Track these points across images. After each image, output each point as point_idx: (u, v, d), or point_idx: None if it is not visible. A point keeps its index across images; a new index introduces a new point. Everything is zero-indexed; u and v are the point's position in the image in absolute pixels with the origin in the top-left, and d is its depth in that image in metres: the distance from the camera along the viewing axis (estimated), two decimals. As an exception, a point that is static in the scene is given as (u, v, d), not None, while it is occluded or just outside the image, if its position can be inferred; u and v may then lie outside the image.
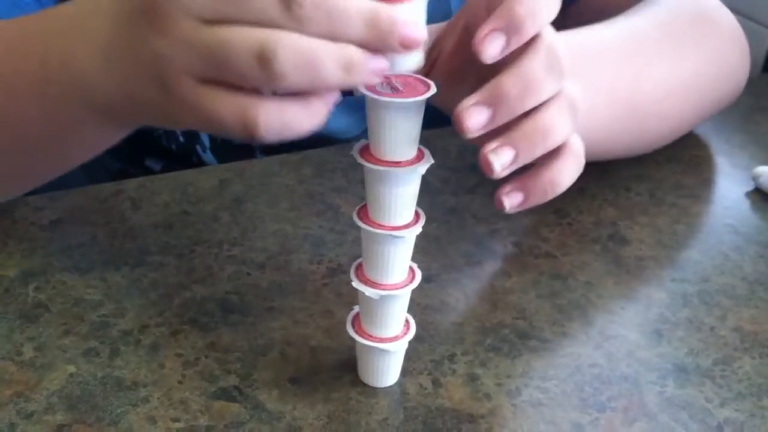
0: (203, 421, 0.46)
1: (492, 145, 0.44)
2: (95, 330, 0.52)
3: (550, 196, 0.46)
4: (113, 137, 0.53)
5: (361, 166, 0.43)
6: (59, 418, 0.46)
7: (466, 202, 0.65)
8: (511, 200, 0.46)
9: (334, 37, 0.39)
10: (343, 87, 0.40)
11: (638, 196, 0.66)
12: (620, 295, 0.56)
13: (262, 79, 0.39)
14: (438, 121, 0.83)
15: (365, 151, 0.44)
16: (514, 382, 0.49)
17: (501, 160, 0.44)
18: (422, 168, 0.44)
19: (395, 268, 0.46)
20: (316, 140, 0.74)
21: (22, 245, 0.58)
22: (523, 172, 0.45)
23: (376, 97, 0.42)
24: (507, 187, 0.46)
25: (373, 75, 0.40)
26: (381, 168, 0.43)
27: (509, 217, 0.63)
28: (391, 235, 0.44)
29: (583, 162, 0.46)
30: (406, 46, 0.40)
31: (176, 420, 0.46)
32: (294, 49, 0.38)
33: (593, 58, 0.62)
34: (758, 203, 0.66)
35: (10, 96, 0.51)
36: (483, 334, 0.52)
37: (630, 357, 0.51)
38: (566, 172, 0.46)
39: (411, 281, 0.46)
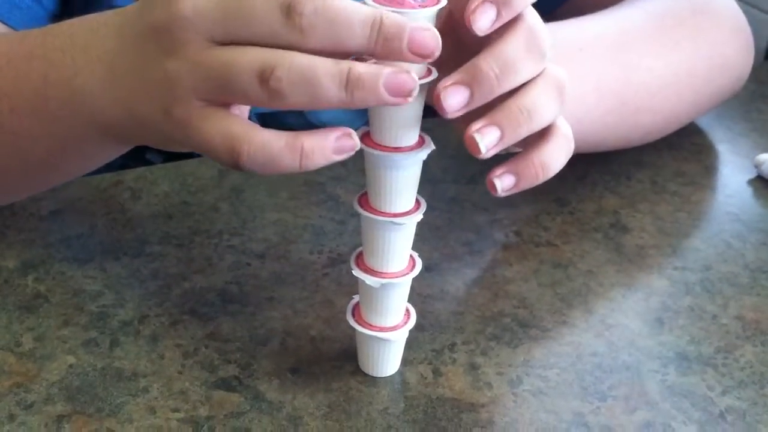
0: (203, 411, 0.46)
1: (476, 125, 0.44)
2: (95, 320, 0.51)
3: (542, 178, 0.46)
4: (113, 153, 0.54)
5: (361, 153, 0.43)
6: (59, 408, 0.46)
7: (467, 191, 0.65)
8: (503, 182, 0.46)
9: (338, 47, 0.39)
10: (345, 105, 0.40)
11: (639, 183, 0.66)
12: (621, 284, 0.56)
13: (264, 98, 0.40)
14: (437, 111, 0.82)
15: (366, 136, 0.44)
16: (515, 371, 0.48)
17: (486, 139, 0.44)
18: (423, 153, 0.44)
19: (396, 256, 0.46)
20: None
21: (21, 236, 0.58)
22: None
23: None
24: (498, 170, 0.46)
25: (378, 92, 0.39)
26: (382, 153, 0.43)
27: (510, 205, 0.63)
28: (391, 222, 0.44)
29: (572, 145, 0.46)
30: (418, 54, 0.40)
31: (176, 410, 0.46)
32: (291, 67, 0.39)
33: (582, 50, 0.62)
34: (760, 191, 0.65)
35: (11, 112, 0.50)
36: (483, 323, 0.52)
37: (631, 345, 0.50)
38: (556, 155, 0.46)
39: (411, 270, 0.46)
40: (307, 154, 0.41)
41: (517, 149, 0.47)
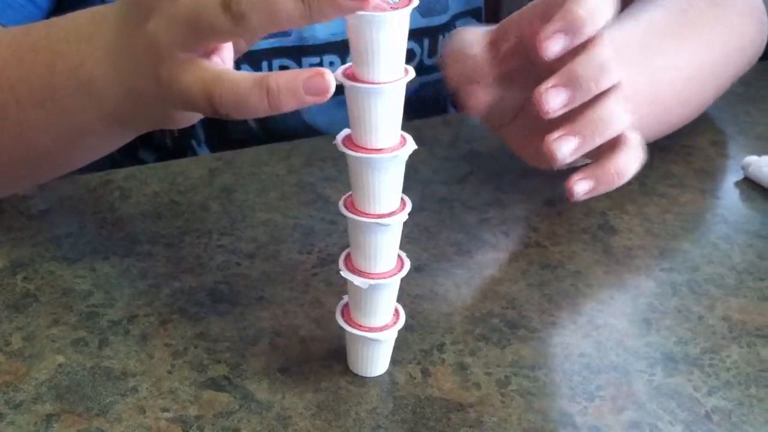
0: (192, 410, 0.46)
1: (555, 134, 0.49)
2: (84, 320, 0.51)
3: (616, 184, 0.51)
4: (118, 142, 0.55)
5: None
6: (48, 407, 0.46)
7: (456, 192, 0.65)
8: (582, 187, 0.50)
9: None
10: (305, 19, 0.41)
11: (628, 185, 0.65)
12: (609, 285, 0.56)
13: (229, 26, 0.41)
14: (429, 110, 0.83)
15: (347, 139, 0.44)
16: (503, 371, 0.49)
17: (563, 148, 0.49)
18: (404, 153, 0.44)
19: (383, 256, 0.46)
20: (305, 134, 0.74)
21: (10, 234, 0.58)
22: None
23: (354, 84, 0.42)
24: (577, 176, 0.50)
25: (335, 5, 0.40)
26: (362, 155, 0.43)
27: (499, 206, 0.63)
28: (376, 223, 0.44)
29: (643, 153, 0.51)
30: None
31: (165, 410, 0.46)
32: None
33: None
34: (747, 192, 0.66)
35: (17, 104, 0.52)
36: (472, 323, 0.52)
37: (619, 346, 0.51)
38: (630, 162, 0.51)
39: (399, 270, 0.46)
40: (275, 93, 0.42)
41: (586, 160, 0.51)
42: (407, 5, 0.42)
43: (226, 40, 0.45)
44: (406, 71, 0.44)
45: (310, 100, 0.41)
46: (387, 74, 0.43)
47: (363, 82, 0.43)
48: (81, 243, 0.58)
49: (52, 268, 0.55)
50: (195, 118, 0.51)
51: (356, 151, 0.43)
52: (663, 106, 0.65)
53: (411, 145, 0.45)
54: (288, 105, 0.42)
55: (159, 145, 0.76)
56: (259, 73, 0.42)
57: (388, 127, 0.44)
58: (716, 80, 0.70)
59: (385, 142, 0.44)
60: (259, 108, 0.42)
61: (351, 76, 0.43)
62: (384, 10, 0.41)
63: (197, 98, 0.43)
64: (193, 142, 0.75)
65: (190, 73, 0.44)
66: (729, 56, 0.71)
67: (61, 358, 0.49)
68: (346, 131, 0.45)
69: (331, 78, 0.41)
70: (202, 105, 0.44)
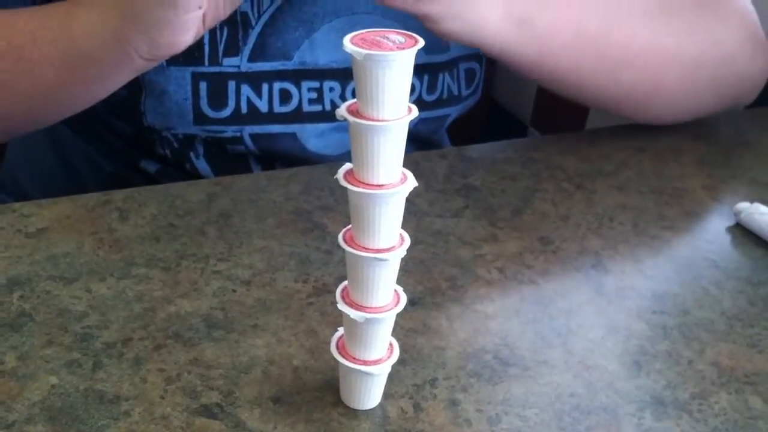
0: (184, 437, 0.46)
1: None
2: (78, 341, 0.52)
3: None
4: (114, 77, 0.63)
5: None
6: (39, 429, 0.46)
7: (451, 225, 0.65)
8: None
9: None
10: None
11: (621, 225, 0.67)
12: (601, 325, 0.57)
13: None
14: (426, 144, 0.84)
15: (349, 174, 0.45)
16: (495, 408, 0.49)
17: None
18: (405, 190, 0.44)
19: (380, 290, 0.46)
20: (305, 160, 0.75)
21: (7, 252, 0.58)
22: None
23: (358, 121, 0.43)
24: None
25: None
26: (364, 191, 0.44)
27: (494, 241, 0.64)
28: (375, 258, 0.45)
29: None
30: None
31: (157, 435, 0.46)
32: None
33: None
34: (739, 238, 0.67)
35: (34, 43, 0.61)
36: (465, 359, 0.53)
37: (609, 387, 0.51)
38: None
39: (396, 305, 0.47)
40: None
41: None
42: (413, 45, 0.43)
43: None
44: (410, 109, 0.44)
45: None
46: (391, 112, 0.43)
47: (367, 119, 0.43)
48: (78, 263, 0.58)
49: (48, 287, 0.55)
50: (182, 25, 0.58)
51: (358, 186, 0.44)
52: (611, 59, 0.71)
53: (412, 182, 0.45)
54: None
55: (159, 156, 0.77)
56: None
57: (390, 164, 0.44)
58: (683, 71, 0.74)
59: (386, 178, 0.44)
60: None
61: (355, 113, 0.44)
62: (390, 50, 0.42)
63: None
64: (192, 155, 0.76)
65: None
66: (704, 58, 0.74)
67: (54, 379, 0.49)
68: (347, 166, 0.45)
69: None
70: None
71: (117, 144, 0.78)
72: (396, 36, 0.44)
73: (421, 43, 0.43)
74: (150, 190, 0.67)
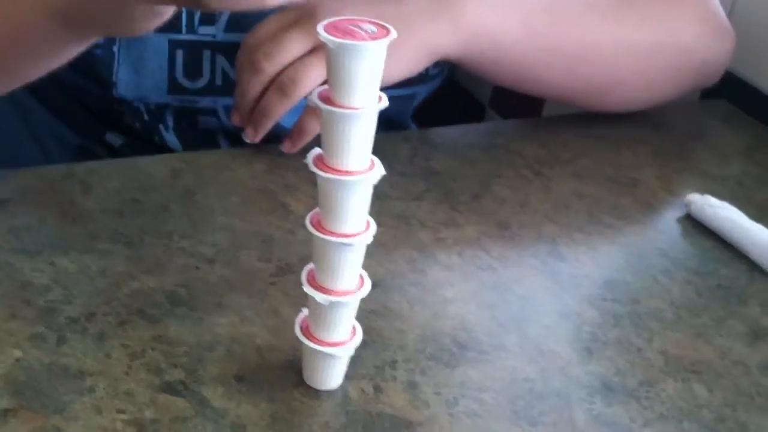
0: (149, 414, 0.47)
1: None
2: (42, 315, 0.52)
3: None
4: (62, 51, 0.56)
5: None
6: (4, 403, 0.46)
7: (413, 209, 0.67)
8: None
9: None
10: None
11: (576, 214, 0.69)
12: (555, 311, 0.58)
13: None
14: (388, 125, 0.85)
15: (318, 159, 0.45)
16: (452, 391, 0.51)
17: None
18: (374, 177, 0.46)
19: (345, 275, 0.47)
20: (276, 135, 0.75)
21: (-31, 223, 0.58)
22: None
23: (330, 108, 0.43)
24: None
25: None
26: (334, 176, 0.45)
27: (454, 226, 0.65)
28: (341, 242, 0.46)
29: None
30: None
31: (122, 411, 0.46)
32: None
33: None
34: (689, 229, 0.69)
35: None
36: (424, 342, 0.54)
37: (562, 373, 0.53)
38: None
39: (360, 288, 0.48)
40: None
41: None
42: (386, 36, 0.44)
43: None
44: (380, 98, 0.45)
45: None
46: (362, 100, 0.44)
47: (339, 106, 0.44)
48: (40, 236, 0.58)
49: (11, 259, 0.55)
50: (153, 22, 0.51)
51: (327, 172, 0.45)
52: (565, 52, 0.72)
53: (380, 170, 0.46)
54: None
55: (128, 127, 0.76)
56: None
57: (360, 151, 0.45)
58: (637, 62, 0.75)
59: (356, 165, 0.45)
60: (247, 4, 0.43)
61: (326, 100, 0.44)
62: (363, 39, 0.43)
63: None
64: (161, 127, 0.76)
65: None
66: (659, 48, 0.75)
67: (18, 353, 0.49)
68: (317, 151, 0.46)
69: None
70: None
71: (83, 116, 0.77)
72: (368, 25, 0.44)
73: (394, 33, 0.44)
74: (113, 162, 0.67)
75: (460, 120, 0.84)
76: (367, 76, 0.44)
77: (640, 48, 0.75)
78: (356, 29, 0.44)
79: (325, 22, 0.44)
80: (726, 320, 0.59)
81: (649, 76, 0.77)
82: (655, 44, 0.75)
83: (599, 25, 0.73)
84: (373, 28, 0.44)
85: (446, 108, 1.22)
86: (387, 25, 0.44)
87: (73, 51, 0.56)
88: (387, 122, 0.84)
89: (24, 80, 0.60)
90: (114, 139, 0.77)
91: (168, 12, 0.51)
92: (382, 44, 0.43)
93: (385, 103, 0.45)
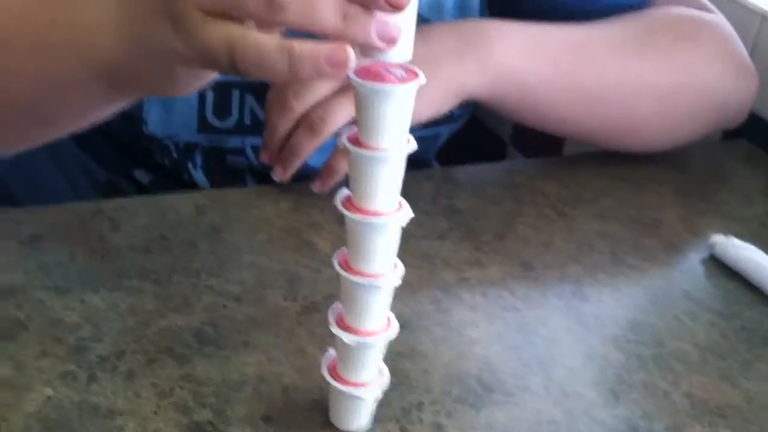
0: (177, 453, 0.47)
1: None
2: (73, 353, 0.52)
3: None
4: (105, 105, 0.56)
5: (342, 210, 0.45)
6: (35, 441, 0.47)
7: (436, 248, 0.67)
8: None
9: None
10: (338, 35, 0.42)
11: (600, 254, 0.69)
12: (580, 353, 0.59)
13: (266, 14, 0.42)
14: (412, 164, 0.85)
15: (347, 200, 0.46)
16: (478, 434, 0.51)
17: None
18: (402, 220, 0.46)
19: (373, 316, 0.48)
20: (303, 175, 0.76)
21: (1, 259, 0.59)
22: None
23: (358, 150, 0.44)
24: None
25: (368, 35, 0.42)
26: (362, 218, 0.45)
27: (478, 266, 0.65)
28: (372, 284, 0.46)
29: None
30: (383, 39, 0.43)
31: (151, 451, 0.47)
32: None
33: (543, 34, 0.72)
34: (713, 271, 0.69)
35: (10, 54, 0.53)
36: (449, 383, 0.54)
37: (587, 415, 0.53)
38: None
39: (387, 329, 0.48)
40: (297, 57, 0.42)
41: None
42: (414, 79, 0.44)
43: (250, 20, 0.44)
44: (408, 140, 0.46)
45: (329, 71, 0.42)
46: (391, 143, 0.45)
47: (367, 148, 0.45)
48: (71, 273, 0.59)
49: (42, 297, 0.56)
50: (194, 85, 0.51)
51: (356, 214, 0.45)
52: (585, 91, 0.73)
53: (408, 212, 0.47)
54: (307, 72, 0.42)
55: (156, 164, 0.77)
56: (283, 38, 0.43)
57: (388, 193, 0.46)
58: (657, 103, 0.76)
59: (384, 207, 0.46)
60: (278, 68, 0.43)
61: (355, 142, 0.45)
62: (393, 82, 0.44)
63: (218, 50, 0.43)
64: (190, 165, 0.77)
65: (213, 27, 0.43)
66: (680, 88, 0.76)
67: (49, 391, 0.50)
68: (345, 191, 0.46)
69: (351, 54, 0.42)
70: (222, 59, 0.43)
71: (112, 152, 0.78)
72: (398, 69, 0.45)
73: (422, 78, 0.45)
74: (140, 200, 0.68)
75: (482, 157, 0.84)
76: (396, 119, 0.44)
77: (660, 89, 0.75)
78: (385, 72, 0.44)
79: (357, 65, 0.44)
80: (752, 363, 0.59)
81: (669, 116, 0.77)
82: (675, 85, 0.75)
83: (620, 66, 0.74)
84: (402, 72, 0.45)
85: (467, 145, 1.22)
86: (415, 69, 0.45)
87: (115, 108, 0.57)
88: (411, 161, 0.84)
89: (63, 132, 0.61)
90: (142, 176, 0.78)
91: (211, 75, 0.51)
92: (412, 87, 0.44)
93: (413, 145, 0.46)
